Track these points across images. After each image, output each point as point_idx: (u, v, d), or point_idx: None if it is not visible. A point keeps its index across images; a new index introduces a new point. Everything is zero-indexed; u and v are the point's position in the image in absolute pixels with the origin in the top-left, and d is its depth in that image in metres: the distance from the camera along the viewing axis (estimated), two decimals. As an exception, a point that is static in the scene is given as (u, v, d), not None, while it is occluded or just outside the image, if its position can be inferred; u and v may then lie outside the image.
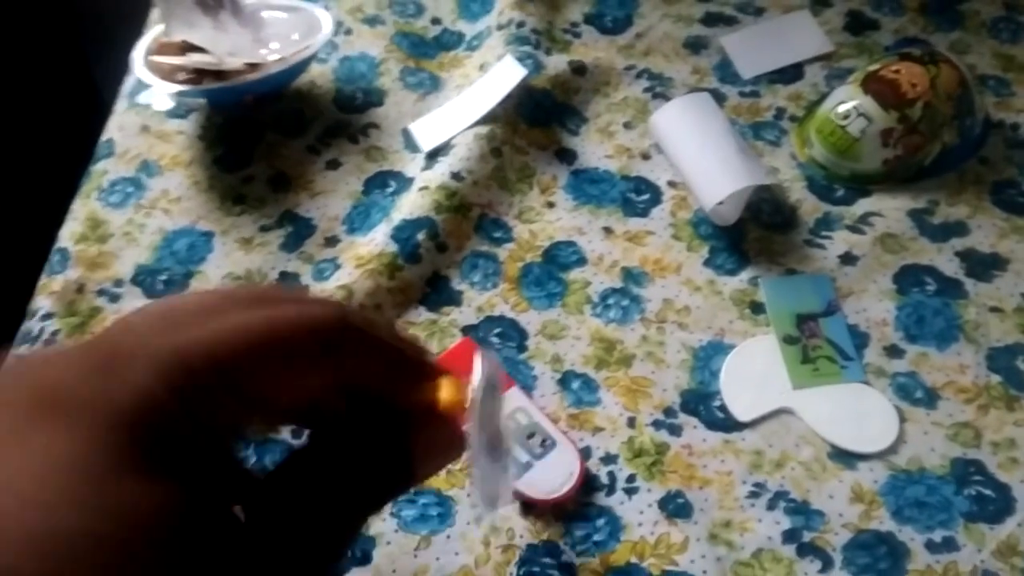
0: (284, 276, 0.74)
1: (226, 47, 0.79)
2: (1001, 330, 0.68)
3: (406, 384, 0.28)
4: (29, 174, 1.34)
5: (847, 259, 0.73)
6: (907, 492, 0.61)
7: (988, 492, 0.61)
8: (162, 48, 0.81)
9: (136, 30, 0.89)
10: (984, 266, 0.72)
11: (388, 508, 0.61)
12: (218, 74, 0.79)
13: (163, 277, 0.75)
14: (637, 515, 0.61)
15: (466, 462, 0.30)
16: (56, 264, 0.76)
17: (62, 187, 1.12)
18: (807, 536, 0.59)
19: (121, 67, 0.85)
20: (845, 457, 0.63)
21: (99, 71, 1.49)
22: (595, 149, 0.82)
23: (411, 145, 0.83)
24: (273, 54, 0.82)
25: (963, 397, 0.65)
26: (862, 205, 0.77)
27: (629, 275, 0.73)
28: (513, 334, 0.70)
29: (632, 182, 0.80)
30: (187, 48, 0.80)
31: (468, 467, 0.31)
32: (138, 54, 0.80)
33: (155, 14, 0.90)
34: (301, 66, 0.84)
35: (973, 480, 0.61)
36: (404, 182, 0.80)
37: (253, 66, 0.80)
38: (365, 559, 0.59)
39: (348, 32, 0.92)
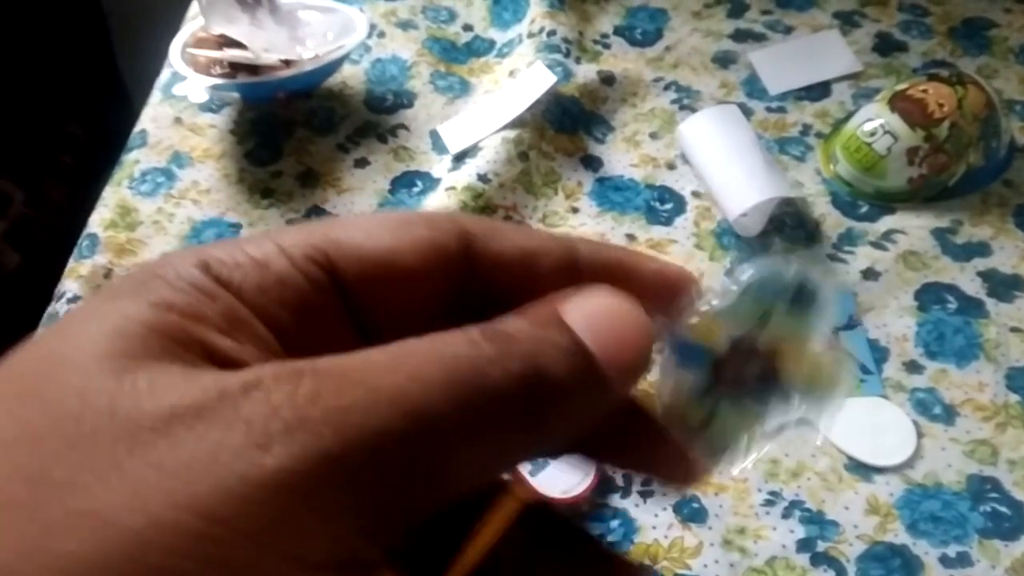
0: (309, 269, 0.75)
1: (262, 43, 0.81)
2: (1021, 350, 0.68)
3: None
4: (53, 160, 1.36)
5: (869, 274, 0.73)
6: (923, 506, 0.61)
7: (1004, 509, 0.61)
8: (199, 42, 0.82)
9: (162, 22, 0.91)
10: (1006, 287, 0.72)
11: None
12: (253, 69, 0.80)
13: (190, 266, 0.75)
14: (652, 518, 0.61)
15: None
16: (85, 249, 0.77)
17: (86, 174, 1.14)
18: (821, 546, 0.60)
19: (146, 58, 0.87)
20: (861, 469, 0.63)
21: (125, 61, 1.52)
22: (621, 157, 0.83)
23: (439, 147, 0.84)
24: (308, 52, 0.83)
25: (981, 415, 0.65)
26: (886, 222, 0.77)
27: (651, 282, 0.73)
28: (533, 335, 0.70)
29: (656, 191, 0.80)
30: (224, 43, 0.81)
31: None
32: (175, 46, 0.81)
33: (194, 8, 0.92)
34: (334, 65, 0.85)
35: (989, 497, 0.61)
36: (431, 182, 0.81)
37: (287, 63, 0.81)
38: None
39: (381, 35, 0.94)
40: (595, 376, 0.18)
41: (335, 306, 0.19)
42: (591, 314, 0.19)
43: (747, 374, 0.21)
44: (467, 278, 0.20)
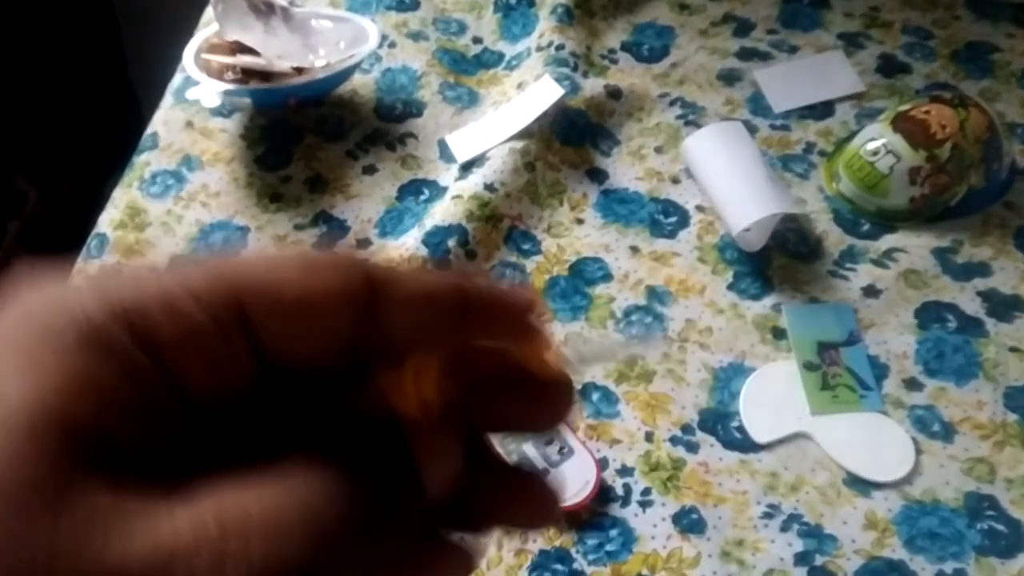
0: (316, 274, 0.76)
1: (275, 50, 0.82)
2: (1019, 370, 0.69)
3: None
4: (64, 160, 1.37)
5: (870, 292, 0.74)
6: (920, 522, 0.61)
7: (1000, 527, 0.61)
8: (213, 48, 0.83)
9: (171, 28, 0.91)
10: (1005, 307, 0.73)
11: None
12: (265, 76, 0.81)
13: (197, 268, 0.76)
14: (651, 528, 0.62)
15: None
16: (94, 248, 0.78)
17: (95, 175, 1.15)
18: (819, 560, 0.60)
19: (156, 62, 0.88)
20: (860, 484, 0.63)
21: (135, 66, 1.53)
22: (626, 171, 0.84)
23: (446, 156, 0.85)
24: (320, 60, 0.84)
25: (979, 433, 0.66)
26: (887, 240, 0.78)
27: (653, 293, 0.74)
28: (537, 344, 0.71)
29: (661, 204, 0.81)
30: (237, 49, 0.82)
31: None
32: (190, 51, 0.82)
33: (207, 14, 0.93)
34: (345, 73, 0.86)
35: (986, 515, 0.62)
36: (438, 191, 0.82)
37: (299, 71, 0.82)
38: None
39: (392, 45, 0.95)
40: None
41: (242, 349, 0.19)
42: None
43: None
44: (367, 320, 0.20)
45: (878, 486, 0.63)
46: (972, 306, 0.73)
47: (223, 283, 0.18)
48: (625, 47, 0.96)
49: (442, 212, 0.77)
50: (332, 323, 0.20)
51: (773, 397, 0.68)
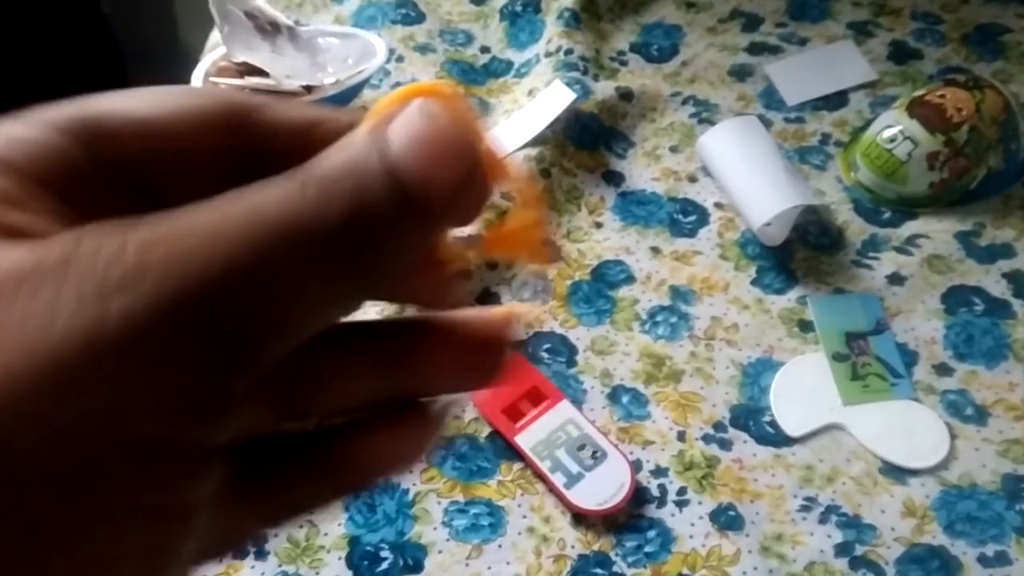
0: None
1: (284, 70, 0.82)
2: (1051, 350, 0.69)
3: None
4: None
5: (895, 279, 0.74)
6: (959, 507, 0.61)
7: (1041, 509, 0.61)
8: (221, 71, 0.83)
9: (178, 58, 0.92)
10: (1032, 288, 0.73)
11: (439, 518, 0.62)
12: (275, 95, 0.82)
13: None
14: (688, 527, 0.61)
15: None
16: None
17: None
18: (859, 550, 0.60)
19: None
20: (896, 472, 0.63)
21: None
22: (642, 172, 0.84)
23: (461, 166, 0.85)
24: (329, 77, 0.85)
25: (1013, 414, 0.65)
26: (909, 227, 0.77)
27: (677, 293, 0.74)
28: (562, 349, 0.71)
29: (679, 204, 0.81)
30: (246, 71, 0.82)
31: None
32: (198, 75, 0.83)
33: (214, 38, 0.93)
34: (355, 90, 0.86)
35: (1025, 496, 0.61)
36: (455, 201, 0.82)
37: (309, 89, 0.83)
38: (416, 567, 0.60)
39: (400, 59, 0.95)
40: (420, 208, 0.17)
41: (105, 180, 0.18)
42: (411, 137, 0.17)
43: None
44: (246, 147, 0.19)
45: (914, 473, 0.63)
46: (998, 288, 0.73)
47: (73, 112, 0.18)
48: (634, 48, 0.97)
49: (461, 222, 0.77)
50: (190, 148, 0.19)
51: (803, 390, 0.67)
